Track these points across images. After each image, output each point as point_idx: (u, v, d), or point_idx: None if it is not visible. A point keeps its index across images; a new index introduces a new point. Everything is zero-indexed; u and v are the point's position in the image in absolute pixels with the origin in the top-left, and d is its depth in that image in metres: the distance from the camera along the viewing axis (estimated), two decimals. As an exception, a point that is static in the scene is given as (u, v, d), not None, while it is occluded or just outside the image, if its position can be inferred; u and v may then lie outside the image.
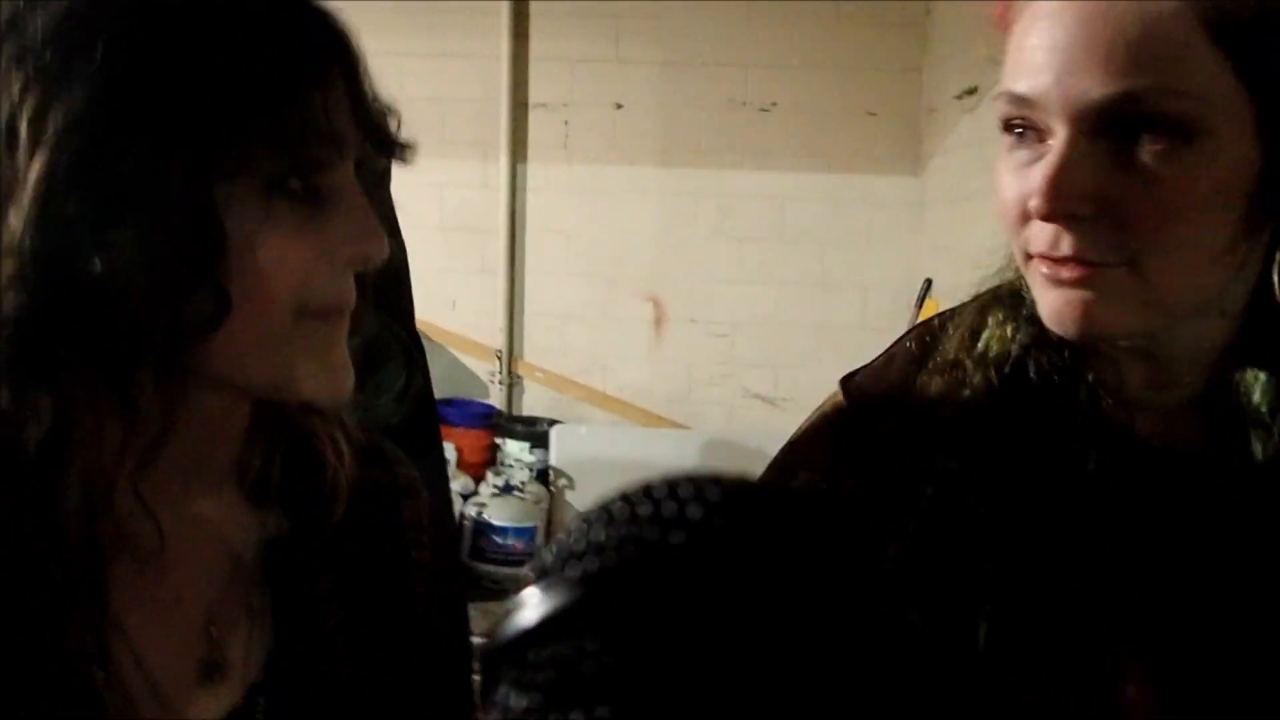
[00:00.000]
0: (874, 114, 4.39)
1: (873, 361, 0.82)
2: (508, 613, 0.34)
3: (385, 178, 1.67)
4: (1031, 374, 0.71)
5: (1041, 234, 0.64)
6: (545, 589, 0.33)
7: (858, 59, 4.35)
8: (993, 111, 0.74)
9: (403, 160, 0.68)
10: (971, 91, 3.61)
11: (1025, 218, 0.65)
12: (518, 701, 0.32)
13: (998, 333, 0.74)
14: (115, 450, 0.59)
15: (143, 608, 0.63)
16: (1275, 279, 0.65)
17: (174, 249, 0.55)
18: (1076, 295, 0.63)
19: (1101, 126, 0.61)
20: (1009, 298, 0.75)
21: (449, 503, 1.87)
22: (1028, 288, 0.73)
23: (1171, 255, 0.62)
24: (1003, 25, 0.69)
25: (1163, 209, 0.61)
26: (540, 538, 4.11)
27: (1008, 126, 0.66)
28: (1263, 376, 0.66)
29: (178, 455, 0.63)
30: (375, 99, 0.64)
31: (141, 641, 0.62)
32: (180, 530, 0.65)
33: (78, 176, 0.54)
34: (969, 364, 0.73)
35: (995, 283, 0.78)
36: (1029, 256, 0.66)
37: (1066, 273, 0.63)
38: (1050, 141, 0.63)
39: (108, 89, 0.54)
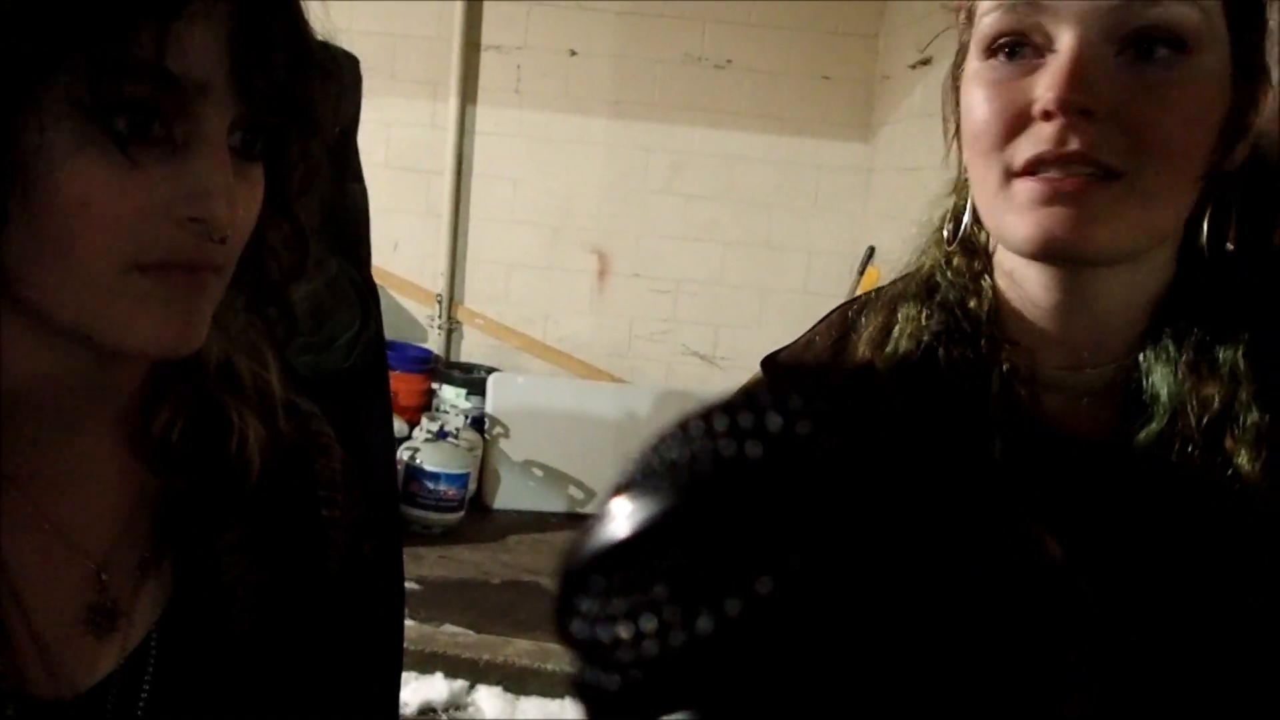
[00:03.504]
0: (828, 78, 4.39)
1: (794, 343, 0.82)
2: (586, 531, 0.32)
3: (350, 128, 1.65)
4: (941, 364, 0.70)
5: (1043, 134, 0.62)
6: (637, 496, 0.31)
7: (815, 21, 4.34)
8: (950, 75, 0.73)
9: (304, 137, 0.63)
10: (926, 62, 3.63)
11: (1013, 130, 0.64)
12: (614, 629, 0.31)
13: (909, 327, 0.73)
14: None
15: (30, 548, 0.61)
16: (1204, 226, 0.67)
17: None
18: (1070, 211, 0.62)
19: (1111, 31, 0.62)
20: (920, 290, 0.74)
21: (393, 449, 1.86)
22: (943, 271, 0.74)
23: (1166, 166, 0.63)
24: None
25: (1167, 114, 0.62)
26: (472, 485, 4.11)
27: (990, 49, 0.65)
28: (1163, 355, 0.67)
29: (51, 400, 0.61)
30: (279, 55, 0.58)
31: (26, 581, 0.60)
32: (72, 477, 0.63)
33: None
34: (878, 363, 0.73)
35: (908, 272, 0.77)
36: (1010, 178, 0.65)
37: (1068, 184, 0.62)
38: (1052, 52, 0.63)
39: None
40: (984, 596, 0.30)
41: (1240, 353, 0.65)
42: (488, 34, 4.39)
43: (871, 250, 4.05)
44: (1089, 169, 0.62)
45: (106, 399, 0.64)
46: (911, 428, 0.32)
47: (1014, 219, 0.64)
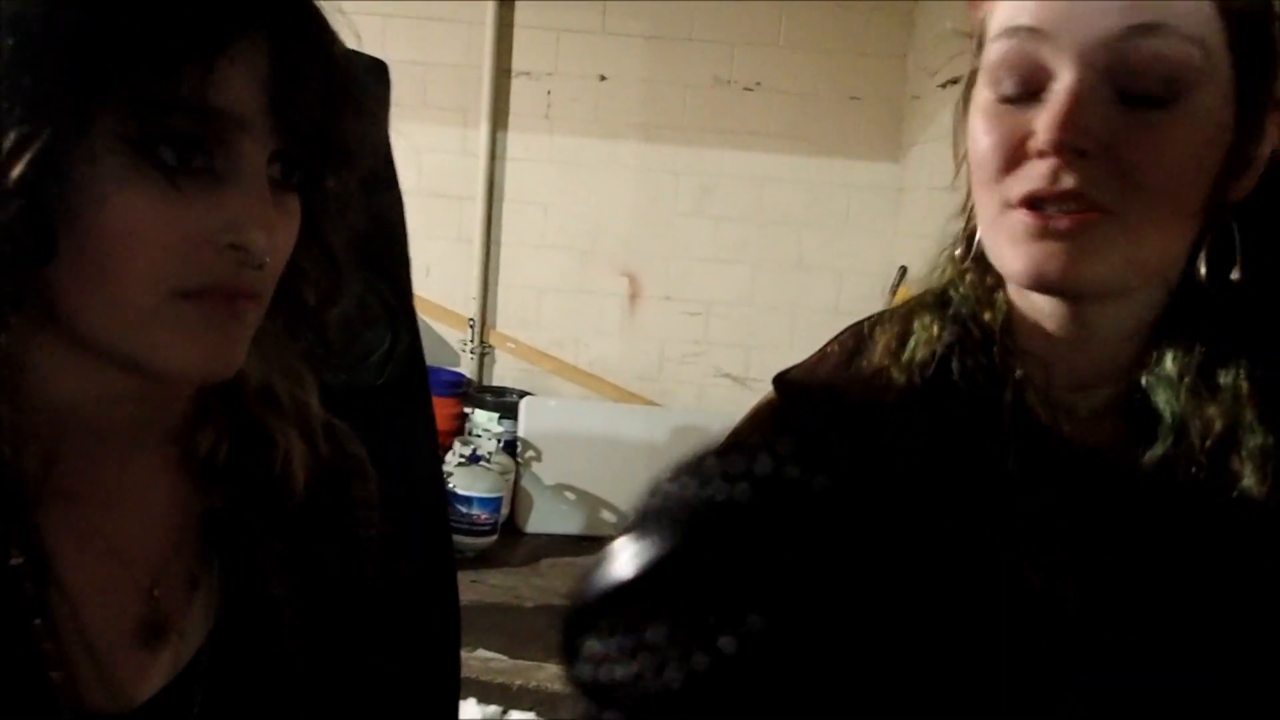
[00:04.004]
0: (857, 98, 4.39)
1: (806, 360, 0.83)
2: (591, 569, 0.34)
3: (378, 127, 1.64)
4: (955, 375, 0.71)
5: (1037, 172, 0.63)
6: (634, 540, 0.33)
7: (844, 42, 4.34)
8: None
9: (338, 169, 0.65)
10: (955, 81, 3.61)
11: (1010, 164, 0.65)
12: (615, 668, 0.32)
13: (924, 336, 0.74)
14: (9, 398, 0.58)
15: (84, 564, 0.62)
16: (1203, 260, 0.67)
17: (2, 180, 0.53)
18: (1062, 247, 0.63)
19: (1109, 68, 0.62)
20: (935, 302, 0.76)
21: (438, 464, 1.85)
22: (956, 286, 0.75)
23: (1158, 206, 0.63)
24: None
25: (1160, 155, 0.62)
26: (505, 509, 4.11)
27: (995, 78, 0.66)
28: (1165, 378, 0.67)
29: (101, 421, 0.63)
30: (316, 88, 0.60)
31: (81, 596, 0.61)
32: (123, 495, 0.65)
33: None
34: (894, 371, 0.74)
35: (925, 288, 0.78)
36: (1006, 209, 0.66)
37: (1060, 222, 0.63)
38: (1052, 88, 0.63)
39: None
40: (971, 635, 0.31)
41: (1242, 375, 0.65)
42: (518, 61, 4.44)
43: (904, 270, 4.03)
44: (1082, 206, 0.63)
45: (154, 420, 0.66)
46: (901, 464, 0.33)
47: (1009, 250, 0.66)
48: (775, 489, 0.32)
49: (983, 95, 0.68)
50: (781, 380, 0.81)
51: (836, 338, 0.82)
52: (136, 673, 0.63)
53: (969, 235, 0.75)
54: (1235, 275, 0.67)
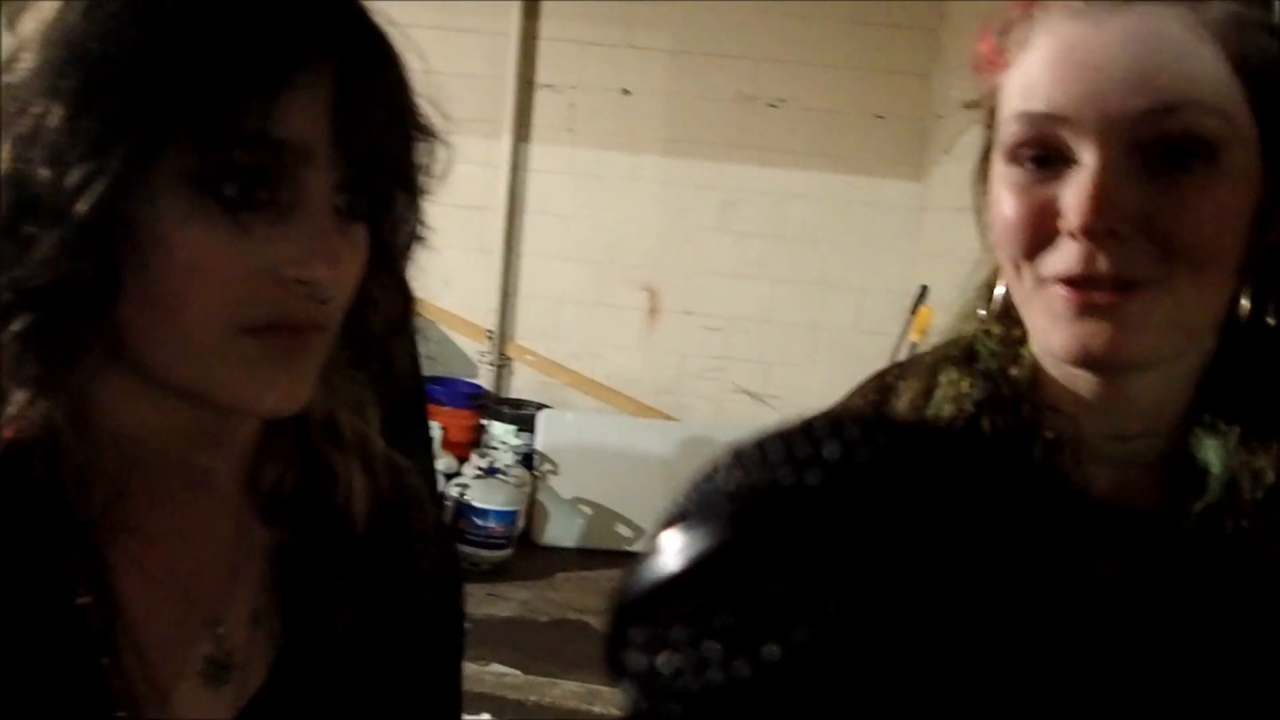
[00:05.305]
0: (881, 117, 4.37)
1: (830, 409, 0.81)
2: (637, 565, 0.32)
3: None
4: (986, 431, 0.69)
5: (1071, 255, 0.62)
6: (694, 527, 0.31)
7: (868, 60, 4.34)
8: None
9: (404, 193, 0.64)
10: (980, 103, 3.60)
11: (1039, 241, 0.64)
12: (675, 657, 0.30)
13: (950, 392, 0.72)
14: (78, 439, 0.58)
15: (150, 601, 0.62)
16: (1246, 305, 0.66)
17: (64, 225, 0.53)
18: (1105, 323, 0.62)
19: (1133, 143, 0.61)
20: (961, 356, 0.74)
21: (434, 480, 1.85)
22: (984, 342, 0.73)
23: (1202, 273, 0.62)
24: (996, 63, 0.68)
25: (1197, 223, 0.61)
26: (520, 522, 4.11)
27: (1014, 156, 0.65)
28: (1214, 430, 0.65)
29: (167, 456, 0.63)
30: (381, 116, 0.59)
31: (148, 634, 0.61)
32: (189, 530, 0.65)
33: None
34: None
35: (949, 338, 0.77)
36: (1041, 284, 0.64)
37: (1100, 298, 0.61)
38: (1078, 163, 0.62)
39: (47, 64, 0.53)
40: (1048, 634, 0.30)
41: None
42: (542, 73, 4.45)
43: (924, 289, 4.00)
44: (1120, 286, 0.61)
45: (220, 454, 0.66)
46: (972, 458, 0.32)
47: (1048, 326, 0.64)
48: (848, 474, 0.31)
49: (1002, 169, 0.66)
50: None
51: (860, 388, 0.81)
52: (200, 710, 0.62)
53: (990, 286, 0.74)
54: (1270, 320, 0.65)
